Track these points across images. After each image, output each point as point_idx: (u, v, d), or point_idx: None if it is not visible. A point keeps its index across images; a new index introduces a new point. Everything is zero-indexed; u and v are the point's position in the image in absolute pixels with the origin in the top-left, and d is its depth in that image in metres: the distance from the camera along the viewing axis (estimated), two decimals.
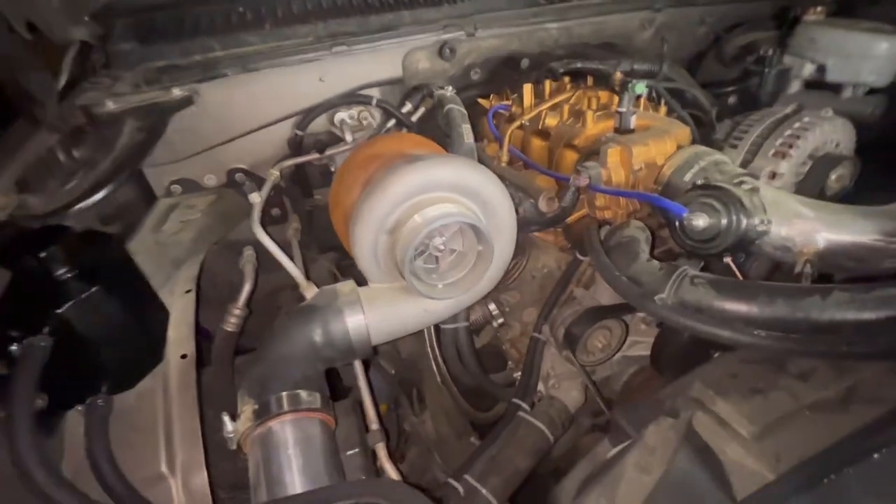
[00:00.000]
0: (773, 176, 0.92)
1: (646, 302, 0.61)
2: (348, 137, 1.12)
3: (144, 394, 0.66)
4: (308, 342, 0.64)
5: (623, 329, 0.83)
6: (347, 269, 1.57)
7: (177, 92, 0.89)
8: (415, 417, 1.16)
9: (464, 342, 0.92)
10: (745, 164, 0.96)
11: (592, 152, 0.91)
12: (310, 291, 0.86)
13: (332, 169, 1.16)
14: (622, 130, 0.85)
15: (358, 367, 0.76)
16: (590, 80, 1.17)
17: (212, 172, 1.17)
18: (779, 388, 0.52)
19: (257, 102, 1.01)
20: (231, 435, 0.55)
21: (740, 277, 0.69)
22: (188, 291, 0.83)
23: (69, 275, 0.53)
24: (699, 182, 0.74)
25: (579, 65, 1.08)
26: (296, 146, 1.15)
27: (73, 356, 0.51)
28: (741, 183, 0.70)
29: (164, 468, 0.63)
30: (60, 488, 0.43)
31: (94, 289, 0.52)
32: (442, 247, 0.69)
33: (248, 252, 1.09)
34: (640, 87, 0.82)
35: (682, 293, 0.60)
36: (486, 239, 0.67)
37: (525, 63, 1.28)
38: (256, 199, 0.89)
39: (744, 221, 0.64)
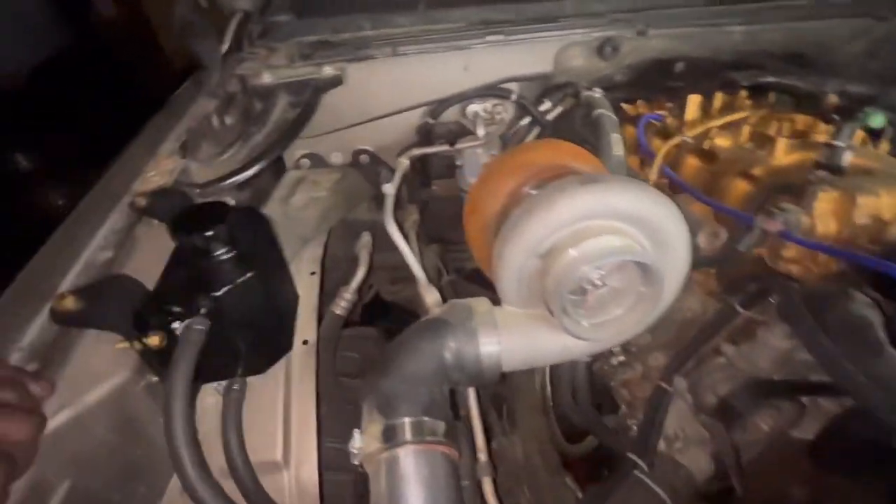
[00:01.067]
0: None
1: None
2: (480, 131, 1.06)
3: (268, 376, 0.66)
4: (438, 361, 0.59)
5: (798, 412, 0.69)
6: (450, 262, 1.55)
7: (328, 70, 0.88)
8: (504, 438, 1.10)
9: (581, 378, 0.83)
10: None
11: (778, 188, 0.76)
12: (430, 295, 0.83)
13: (458, 163, 1.11)
14: (831, 168, 0.69)
15: (471, 391, 0.71)
16: (770, 97, 1.00)
17: (338, 150, 1.18)
18: None
19: (398, 86, 0.98)
20: (356, 451, 0.52)
21: None
22: (313, 273, 0.83)
23: (227, 255, 0.52)
24: None
25: (772, 79, 0.91)
26: (425, 134, 1.11)
27: (218, 337, 0.50)
28: None
29: (279, 457, 0.62)
30: (203, 483, 0.42)
31: (249, 274, 0.51)
32: (598, 281, 0.60)
33: (366, 238, 1.08)
34: (879, 119, 0.65)
35: None
36: (655, 280, 0.57)
37: (679, 67, 1.13)
38: (390, 190, 0.86)
39: None
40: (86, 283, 0.53)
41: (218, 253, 0.52)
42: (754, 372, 0.74)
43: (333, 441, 0.78)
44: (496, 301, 0.71)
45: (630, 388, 0.97)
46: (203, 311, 0.49)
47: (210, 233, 0.50)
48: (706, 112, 1.00)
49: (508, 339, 0.63)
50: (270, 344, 0.60)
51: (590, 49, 0.97)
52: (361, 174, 1.20)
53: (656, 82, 1.14)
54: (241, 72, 0.89)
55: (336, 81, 0.88)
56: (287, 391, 0.67)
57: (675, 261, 0.61)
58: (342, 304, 1.00)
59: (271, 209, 1.03)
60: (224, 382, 0.56)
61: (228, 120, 0.95)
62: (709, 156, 0.92)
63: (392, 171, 1.19)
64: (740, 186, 0.84)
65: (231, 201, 0.82)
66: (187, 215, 0.53)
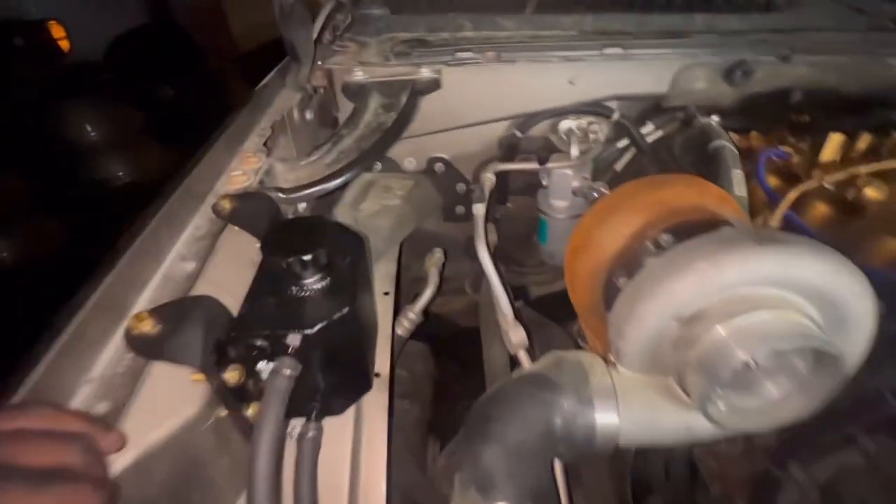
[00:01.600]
0: None
1: None
2: (574, 151, 0.95)
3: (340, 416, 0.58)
4: (547, 430, 0.50)
5: None
6: (511, 280, 1.45)
7: (426, 72, 0.80)
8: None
9: (681, 454, 0.71)
10: None
11: None
12: (516, 333, 0.73)
13: (544, 182, 1.01)
14: None
15: (558, 464, 0.61)
16: None
17: (412, 156, 1.10)
18: None
19: (493, 95, 0.89)
20: None
21: None
22: (386, 294, 0.75)
23: (322, 283, 0.44)
24: None
25: None
26: (509, 148, 1.01)
27: (303, 376, 0.41)
28: None
29: None
30: None
31: (346, 310, 0.42)
32: (752, 363, 0.49)
33: (438, 255, 1.00)
34: None
35: None
36: (831, 368, 0.46)
37: (796, 97, 0.99)
38: (481, 210, 0.77)
39: None
40: (166, 299, 0.46)
41: (311, 279, 0.45)
42: None
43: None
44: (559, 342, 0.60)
45: (723, 462, 0.85)
46: (291, 349, 0.41)
47: (308, 257, 0.43)
48: (845, 155, 0.86)
49: (628, 411, 0.52)
50: (351, 382, 0.51)
51: (716, 72, 0.85)
52: (434, 183, 1.12)
53: (776, 112, 1.01)
54: (330, 66, 0.82)
55: (434, 85, 0.80)
56: (357, 430, 0.59)
57: (855, 345, 0.49)
58: (405, 324, 0.92)
59: (340, 214, 0.96)
60: (297, 424, 0.48)
61: (309, 115, 0.88)
62: (852, 208, 0.79)
63: (467, 182, 1.10)
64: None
65: (302, 205, 0.75)
66: (282, 231, 0.46)
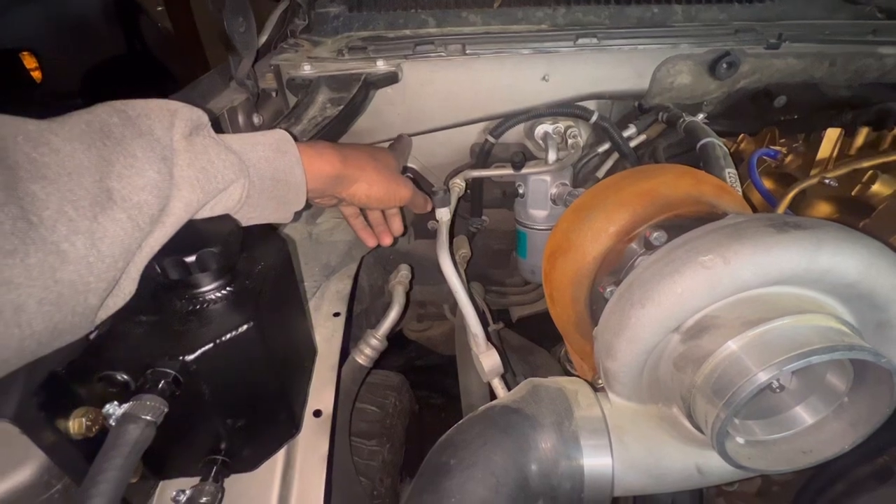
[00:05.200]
0: None
1: None
2: (552, 156, 0.87)
3: (260, 469, 0.46)
4: (518, 482, 0.38)
5: None
6: (495, 303, 1.34)
7: (381, 65, 0.71)
8: None
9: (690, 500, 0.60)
10: None
11: None
12: (488, 359, 0.62)
13: (521, 191, 0.92)
14: None
15: None
16: None
17: None
18: None
19: (463, 94, 0.81)
20: None
21: None
22: (336, 315, 0.63)
23: (217, 294, 0.33)
24: None
25: None
26: (483, 155, 0.93)
27: (187, 418, 0.30)
28: None
29: None
30: None
31: (244, 327, 0.31)
32: (775, 384, 0.39)
33: (404, 272, 0.89)
34: None
35: None
36: (882, 384, 0.36)
37: (781, 101, 0.94)
38: (446, 216, 0.67)
39: None
40: None
41: (202, 290, 0.34)
42: None
43: None
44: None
45: (734, 503, 0.73)
46: (163, 384, 0.29)
47: (191, 259, 0.32)
48: (843, 151, 0.79)
49: (623, 450, 0.41)
50: (267, 427, 0.40)
51: (700, 65, 0.79)
52: None
53: (762, 114, 0.95)
54: (277, 62, 0.74)
55: (390, 79, 0.72)
56: (285, 482, 0.47)
57: None
58: (367, 351, 0.81)
59: (293, 229, 0.86)
60: (187, 488, 0.36)
61: (257, 120, 0.79)
62: (858, 206, 0.71)
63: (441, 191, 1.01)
64: None
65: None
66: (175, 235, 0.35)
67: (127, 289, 0.31)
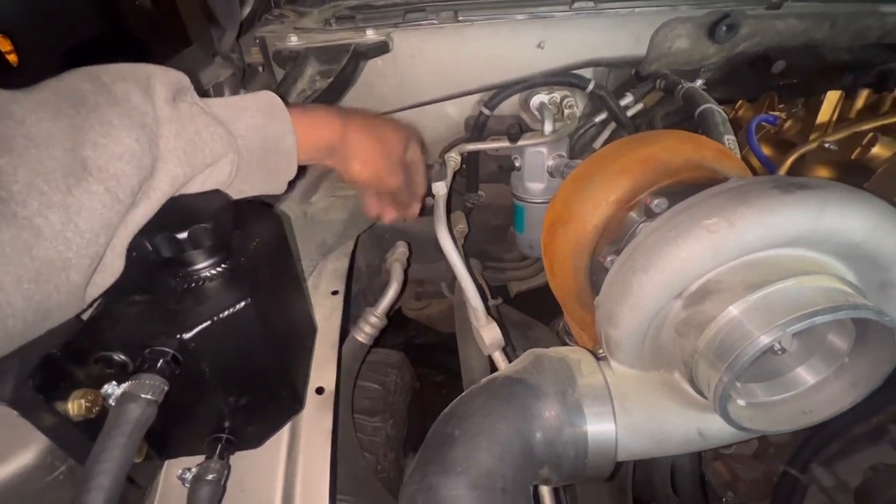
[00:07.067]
0: None
1: None
2: (548, 127, 0.86)
3: (265, 445, 0.46)
4: (523, 451, 0.38)
5: None
6: (493, 279, 1.34)
7: (371, 34, 0.69)
8: None
9: (689, 464, 0.61)
10: None
11: None
12: (489, 333, 0.62)
13: (517, 164, 0.91)
14: None
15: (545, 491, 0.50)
16: None
17: None
18: None
19: (456, 64, 0.79)
20: None
21: None
22: (335, 293, 0.63)
23: (212, 272, 0.33)
24: None
25: None
26: (478, 127, 0.91)
27: (189, 397, 0.30)
28: None
29: None
30: None
31: (242, 303, 0.31)
32: (777, 346, 0.39)
33: (401, 249, 0.88)
34: None
35: None
36: (884, 342, 0.36)
37: (779, 66, 0.92)
38: (442, 189, 0.66)
39: None
40: None
41: (197, 268, 0.33)
42: None
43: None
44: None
45: (731, 465, 0.75)
46: (161, 362, 0.29)
47: (183, 235, 0.31)
48: (843, 114, 0.78)
49: (626, 416, 0.42)
50: (270, 404, 0.40)
51: (699, 28, 0.77)
52: None
53: (760, 80, 0.94)
54: (263, 34, 0.71)
55: (381, 48, 0.69)
56: (290, 459, 0.47)
57: None
58: (367, 329, 0.81)
59: (288, 208, 0.84)
60: (193, 466, 0.36)
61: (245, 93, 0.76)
62: (857, 169, 0.71)
63: (438, 165, 0.99)
64: None
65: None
66: (163, 211, 0.34)
67: (114, 265, 0.30)
